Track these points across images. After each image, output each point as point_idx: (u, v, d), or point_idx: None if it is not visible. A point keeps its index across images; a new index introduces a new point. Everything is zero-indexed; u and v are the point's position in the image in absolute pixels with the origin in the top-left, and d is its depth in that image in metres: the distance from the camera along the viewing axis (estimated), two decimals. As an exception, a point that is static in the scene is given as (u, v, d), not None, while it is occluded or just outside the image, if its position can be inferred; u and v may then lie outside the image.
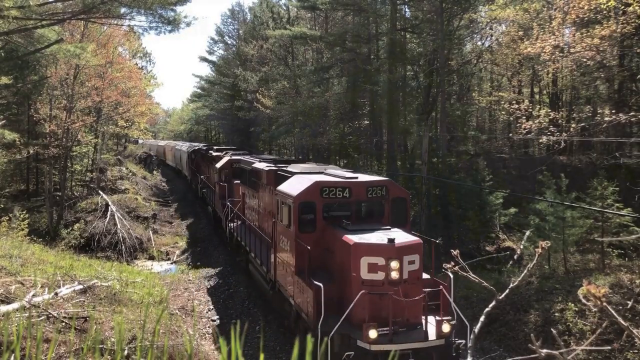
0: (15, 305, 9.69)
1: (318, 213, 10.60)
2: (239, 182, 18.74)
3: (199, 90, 71.24)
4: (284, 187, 11.54)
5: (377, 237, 9.46)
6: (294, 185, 11.19)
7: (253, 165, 15.81)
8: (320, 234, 10.59)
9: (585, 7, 15.18)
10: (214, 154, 27.09)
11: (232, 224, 19.08)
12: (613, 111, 15.12)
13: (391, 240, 8.97)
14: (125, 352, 9.04)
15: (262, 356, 1.24)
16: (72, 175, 33.55)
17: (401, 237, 9.47)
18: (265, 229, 14.10)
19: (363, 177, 11.53)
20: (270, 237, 12.81)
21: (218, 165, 22.57)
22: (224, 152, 25.58)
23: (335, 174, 11.88)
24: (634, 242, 14.71)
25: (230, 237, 19.78)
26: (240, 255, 18.74)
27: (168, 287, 16.72)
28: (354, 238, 9.39)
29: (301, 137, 33.33)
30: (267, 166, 14.47)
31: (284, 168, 13.63)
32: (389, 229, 10.08)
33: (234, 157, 21.75)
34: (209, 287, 18.49)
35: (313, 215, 10.65)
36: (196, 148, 38.63)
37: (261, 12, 46.02)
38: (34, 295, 10.43)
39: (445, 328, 8.79)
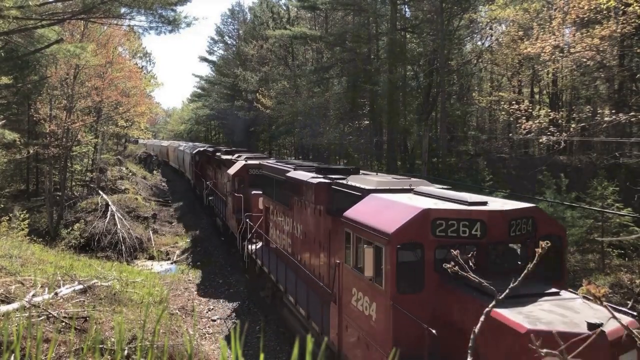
0: (15, 305, 9.69)
1: (428, 262, 6.61)
2: (259, 193, 15.85)
3: (199, 90, 71.24)
4: (359, 213, 7.70)
5: (556, 313, 5.42)
6: (380, 213, 7.24)
7: (288, 174, 12.11)
8: (432, 297, 6.56)
9: (585, 7, 15.18)
10: (224, 157, 23.44)
11: (251, 246, 15.65)
12: (613, 111, 15.12)
13: (593, 326, 4.83)
14: (125, 352, 9.04)
15: (262, 356, 1.24)
16: (72, 175, 33.55)
17: (603, 316, 5.04)
18: (310, 263, 10.76)
19: (497, 203, 7.26)
20: (327, 284, 9.26)
21: (231, 171, 19.33)
22: (236, 156, 22.20)
23: (442, 194, 7.55)
24: (634, 242, 14.70)
25: (249, 260, 16.28)
26: (263, 288, 14.92)
27: (168, 287, 16.72)
28: (517, 317, 5.26)
29: (301, 137, 33.33)
30: (314, 177, 10.54)
31: (341, 181, 9.61)
32: (558, 293, 6.01)
33: (250, 162, 19.02)
34: (209, 287, 18.50)
35: (419, 265, 6.64)
36: (201, 149, 34.87)
37: (261, 12, 46.03)
38: (34, 295, 10.43)
39: None
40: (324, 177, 10.35)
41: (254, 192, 16.65)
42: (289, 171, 12.39)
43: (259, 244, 15.35)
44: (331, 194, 9.61)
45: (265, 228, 14.95)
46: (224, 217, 21.97)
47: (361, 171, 11.57)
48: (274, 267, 12.79)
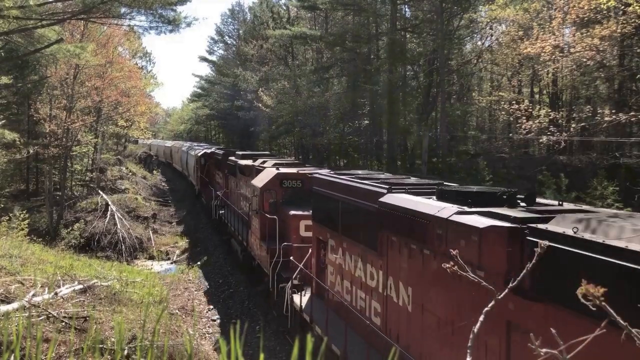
0: (15, 305, 9.70)
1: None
2: (300, 214, 12.36)
3: (199, 90, 71.21)
4: None
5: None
6: None
7: (384, 199, 7.53)
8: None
9: (585, 7, 15.18)
10: (241, 162, 19.18)
11: (298, 296, 10.94)
12: (613, 111, 15.12)
13: None
14: (125, 352, 9.04)
15: (262, 356, 1.24)
16: (72, 175, 33.54)
17: None
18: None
19: None
20: None
21: (257, 182, 14.60)
22: (260, 161, 17.41)
23: None
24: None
25: (291, 315, 11.49)
26: None
27: (168, 287, 16.72)
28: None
29: (301, 137, 33.32)
30: (460, 211, 5.92)
31: (540, 225, 4.86)
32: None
33: (283, 171, 14.39)
34: (209, 287, 18.50)
35: None
36: (207, 151, 30.67)
37: (261, 12, 46.02)
38: (34, 295, 10.44)
39: None
40: (483, 215, 5.55)
41: (292, 212, 12.65)
42: (380, 193, 7.64)
43: (305, 291, 11.09)
44: (525, 254, 4.80)
45: (315, 267, 10.67)
46: (244, 241, 17.01)
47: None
48: (341, 338, 8.17)
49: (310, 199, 11.46)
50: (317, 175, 10.93)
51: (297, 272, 11.22)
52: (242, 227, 17.56)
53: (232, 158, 21.67)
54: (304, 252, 11.47)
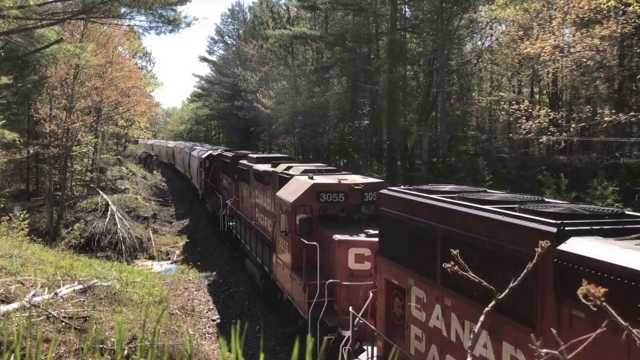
0: (15, 305, 9.70)
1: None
2: (349, 239, 9.55)
3: (199, 90, 71.23)
4: None
5: None
6: None
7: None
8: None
9: (585, 7, 15.18)
10: (258, 167, 16.18)
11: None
12: (613, 111, 15.13)
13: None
14: (125, 352, 9.04)
15: (262, 356, 1.24)
16: (72, 175, 33.55)
17: None
18: None
19: None
20: None
21: (286, 196, 11.36)
22: (284, 167, 14.07)
23: None
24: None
25: None
26: None
27: (168, 287, 16.72)
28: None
29: (301, 137, 33.33)
30: None
31: None
32: None
33: (320, 180, 11.13)
34: (209, 286, 18.50)
35: None
36: (213, 153, 27.98)
37: (261, 12, 46.02)
38: (34, 295, 10.43)
39: None
40: None
41: (337, 236, 9.63)
42: (549, 234, 4.44)
43: (361, 349, 8.35)
44: None
45: (383, 321, 7.59)
46: (266, 266, 13.81)
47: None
48: None
49: (356, 218, 10.48)
50: (390, 193, 7.57)
51: (354, 323, 8.05)
52: (261, 247, 14.54)
53: (245, 162, 18.67)
54: (355, 292, 9.00)
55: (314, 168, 13.71)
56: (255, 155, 19.38)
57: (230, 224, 20.83)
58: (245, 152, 24.97)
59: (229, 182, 22.68)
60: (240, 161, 19.75)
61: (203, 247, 25.39)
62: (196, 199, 34.79)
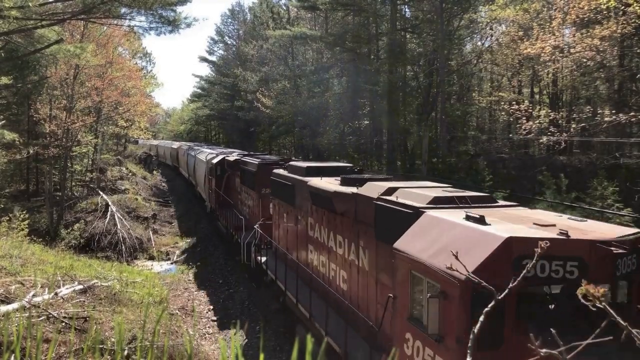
0: (15, 305, 9.70)
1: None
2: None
3: (199, 90, 71.28)
4: None
5: None
6: None
7: None
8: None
9: (585, 7, 15.19)
10: (320, 185, 10.52)
11: None
12: (613, 111, 15.14)
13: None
14: (125, 352, 9.04)
15: (262, 356, 1.24)
16: (72, 175, 33.55)
17: None
18: None
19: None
20: None
21: (439, 259, 5.56)
22: (381, 190, 8.09)
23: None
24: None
25: None
26: None
27: (168, 287, 16.73)
28: None
29: (301, 137, 33.33)
30: None
31: None
32: None
33: (522, 233, 5.32)
34: (209, 287, 18.50)
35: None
36: (230, 158, 22.13)
37: (261, 12, 46.06)
38: (34, 295, 10.43)
39: None
40: None
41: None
42: None
43: None
44: None
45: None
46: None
47: None
48: None
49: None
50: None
51: None
52: (338, 326, 8.96)
53: (284, 173, 13.18)
54: None
55: (447, 195, 7.35)
56: (302, 164, 13.21)
57: (261, 258, 14.88)
58: (280, 158, 19.67)
59: (254, 199, 17.20)
60: (276, 171, 14.03)
61: (203, 247, 25.39)
62: (196, 202, 34.63)
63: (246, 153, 24.89)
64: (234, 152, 27.09)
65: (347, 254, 9.35)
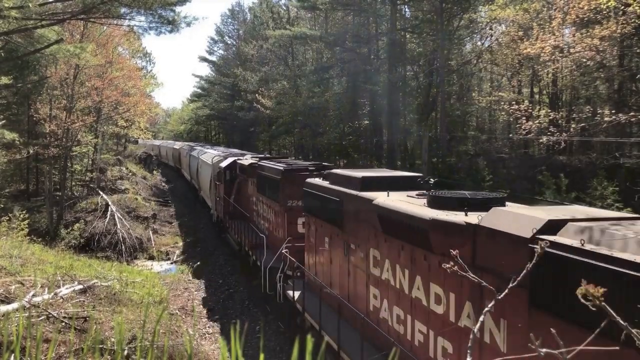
0: (15, 305, 9.70)
1: None
2: None
3: (199, 90, 71.27)
4: None
5: None
6: None
7: None
8: None
9: (585, 7, 15.18)
10: (386, 202, 7.61)
11: None
12: (613, 111, 15.12)
13: None
14: (125, 352, 9.04)
15: (262, 356, 1.24)
16: (72, 175, 33.55)
17: None
18: None
19: None
20: None
21: None
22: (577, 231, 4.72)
23: None
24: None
25: None
26: None
27: (168, 287, 16.73)
28: None
29: (301, 137, 33.33)
30: None
31: None
32: None
33: None
34: (209, 286, 18.50)
35: None
36: (243, 162, 19.36)
37: (261, 12, 46.05)
38: (34, 295, 10.43)
39: None
40: None
41: None
42: None
43: None
44: None
45: None
46: None
47: None
48: None
49: None
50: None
51: None
52: None
53: (332, 187, 9.83)
54: None
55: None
56: (354, 173, 9.53)
57: (293, 294, 11.44)
58: (304, 162, 17.62)
59: (277, 212, 14.37)
60: (310, 180, 11.38)
61: (203, 247, 25.39)
62: (198, 205, 34.52)
63: (262, 156, 22.07)
64: (246, 154, 24.37)
65: (455, 317, 6.17)
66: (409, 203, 7.37)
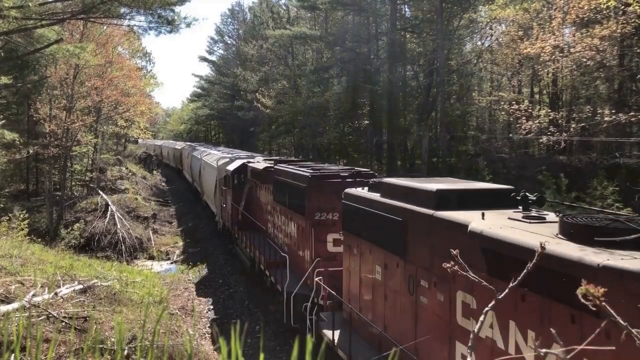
0: (15, 305, 9.70)
1: None
2: None
3: (198, 90, 71.31)
4: None
5: None
6: None
7: None
8: None
9: (585, 7, 15.19)
10: (498, 234, 5.17)
11: None
12: (613, 111, 15.13)
13: None
14: (125, 352, 9.04)
15: (262, 356, 1.24)
16: (72, 175, 33.56)
17: None
18: None
19: None
20: None
21: None
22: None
23: None
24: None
25: None
26: None
27: (168, 287, 16.73)
28: None
29: (301, 137, 33.35)
30: None
31: None
32: None
33: None
34: (209, 286, 18.50)
35: None
36: (256, 166, 16.89)
37: (261, 12, 46.08)
38: (34, 295, 10.43)
39: None
40: None
41: None
42: None
43: None
44: None
45: None
46: None
47: None
48: None
49: None
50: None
51: None
52: None
53: (389, 202, 7.55)
54: None
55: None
56: (424, 186, 7.02)
57: (333, 335, 8.77)
58: (332, 166, 15.24)
59: (301, 227, 12.05)
60: (352, 192, 9.19)
61: (203, 247, 25.38)
62: (197, 205, 34.46)
63: (277, 158, 19.59)
64: (255, 155, 22.13)
65: None
66: (529, 232, 5.11)
